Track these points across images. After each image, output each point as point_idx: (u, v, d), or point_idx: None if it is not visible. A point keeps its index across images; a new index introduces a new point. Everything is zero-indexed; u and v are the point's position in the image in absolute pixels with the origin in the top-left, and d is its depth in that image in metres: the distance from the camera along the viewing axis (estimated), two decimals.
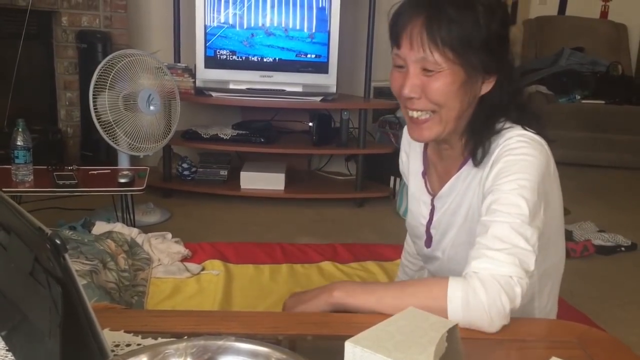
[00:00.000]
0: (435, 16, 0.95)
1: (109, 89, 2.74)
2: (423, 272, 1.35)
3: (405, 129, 1.23)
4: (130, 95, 2.83)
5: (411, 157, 1.22)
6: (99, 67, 2.75)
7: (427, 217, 1.16)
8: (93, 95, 2.76)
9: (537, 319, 1.09)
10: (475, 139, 1.03)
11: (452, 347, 0.66)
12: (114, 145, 2.83)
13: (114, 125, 2.77)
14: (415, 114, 1.02)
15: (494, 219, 0.93)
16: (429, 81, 0.98)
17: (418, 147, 1.19)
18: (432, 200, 1.14)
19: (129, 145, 2.84)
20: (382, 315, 0.72)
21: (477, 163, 1.02)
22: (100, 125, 2.77)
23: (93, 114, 2.73)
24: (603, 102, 4.88)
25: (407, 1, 1.00)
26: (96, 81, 2.74)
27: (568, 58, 5.08)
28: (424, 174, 1.17)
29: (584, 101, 4.90)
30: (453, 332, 0.67)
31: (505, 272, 0.88)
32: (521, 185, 0.93)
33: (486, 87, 1.02)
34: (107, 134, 2.78)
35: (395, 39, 1.00)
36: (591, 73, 5.04)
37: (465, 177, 1.07)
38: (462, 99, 0.99)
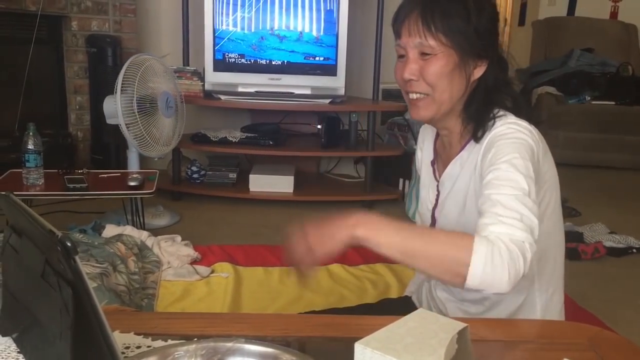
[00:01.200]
0: (429, 7, 1.07)
1: (122, 92, 2.75)
2: None
3: (422, 128, 1.35)
4: (144, 98, 2.84)
5: (424, 150, 1.32)
6: (124, 68, 2.77)
7: (434, 202, 1.24)
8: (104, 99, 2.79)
9: (547, 321, 1.08)
10: (473, 120, 1.12)
11: (463, 348, 0.66)
12: (137, 148, 2.84)
13: (141, 127, 2.79)
14: (414, 96, 1.13)
15: (499, 192, 0.97)
16: (425, 64, 1.10)
17: (430, 140, 1.29)
18: (438, 186, 1.23)
19: (146, 147, 2.86)
20: (392, 318, 0.71)
21: (477, 139, 1.11)
22: (113, 128, 2.79)
23: (121, 117, 2.73)
24: (613, 103, 4.85)
25: None
26: (109, 85, 2.76)
27: (578, 59, 5.06)
28: (433, 162, 1.27)
29: (594, 102, 4.88)
30: (463, 334, 0.67)
31: (520, 238, 0.91)
32: (516, 163, 1.00)
33: (478, 72, 1.11)
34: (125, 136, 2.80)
35: (397, 31, 1.13)
36: (601, 74, 5.01)
37: (462, 163, 1.16)
38: (455, 81, 1.10)
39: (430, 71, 1.09)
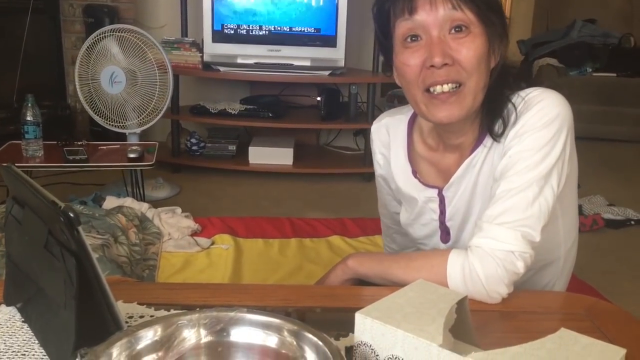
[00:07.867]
0: None
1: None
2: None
3: (374, 130, 1.14)
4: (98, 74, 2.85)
5: (392, 159, 1.11)
6: (83, 48, 2.77)
7: (438, 211, 1.06)
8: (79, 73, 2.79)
9: (545, 292, 1.09)
10: (492, 111, 0.95)
11: (461, 318, 0.66)
12: (103, 123, 2.82)
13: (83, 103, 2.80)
14: (442, 88, 0.89)
15: (502, 189, 0.90)
16: (459, 46, 0.88)
17: (400, 149, 1.10)
18: (440, 193, 1.05)
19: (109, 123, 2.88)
20: (392, 288, 0.72)
21: (497, 137, 0.94)
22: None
23: (80, 94, 2.73)
24: (615, 74, 4.83)
25: None
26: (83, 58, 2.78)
27: (580, 30, 5.01)
28: (415, 173, 1.08)
29: (595, 74, 4.85)
30: (462, 304, 0.68)
31: (507, 248, 0.87)
32: (534, 146, 0.89)
33: (498, 56, 0.95)
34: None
35: (409, 4, 0.89)
36: (603, 45, 4.97)
37: (480, 158, 0.99)
38: (487, 67, 0.92)
39: (469, 54, 0.87)
